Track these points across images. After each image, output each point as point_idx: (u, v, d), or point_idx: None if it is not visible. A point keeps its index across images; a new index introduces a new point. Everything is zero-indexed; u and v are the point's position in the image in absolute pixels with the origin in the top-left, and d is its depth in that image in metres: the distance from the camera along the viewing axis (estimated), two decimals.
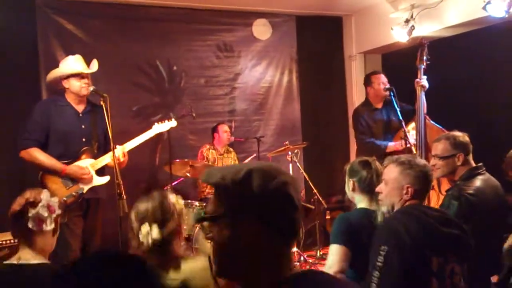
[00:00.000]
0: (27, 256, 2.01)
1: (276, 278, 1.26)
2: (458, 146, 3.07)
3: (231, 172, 1.27)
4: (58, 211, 2.13)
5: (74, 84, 3.80)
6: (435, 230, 2.20)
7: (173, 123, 4.14)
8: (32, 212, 2.03)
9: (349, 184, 2.83)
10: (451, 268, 2.19)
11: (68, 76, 3.80)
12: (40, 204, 2.05)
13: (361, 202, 2.78)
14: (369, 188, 2.72)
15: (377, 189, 2.54)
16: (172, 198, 2.17)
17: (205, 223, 1.31)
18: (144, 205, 2.11)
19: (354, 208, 2.90)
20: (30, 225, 2.02)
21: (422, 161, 2.47)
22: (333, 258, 2.52)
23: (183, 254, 2.11)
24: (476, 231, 2.80)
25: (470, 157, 3.11)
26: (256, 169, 1.27)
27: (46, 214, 2.05)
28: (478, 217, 2.84)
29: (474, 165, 3.09)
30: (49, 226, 2.06)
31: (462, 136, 3.13)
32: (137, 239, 2.05)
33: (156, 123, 4.10)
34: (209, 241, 1.29)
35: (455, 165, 3.07)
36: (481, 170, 3.05)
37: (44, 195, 2.09)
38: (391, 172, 2.45)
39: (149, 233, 2.01)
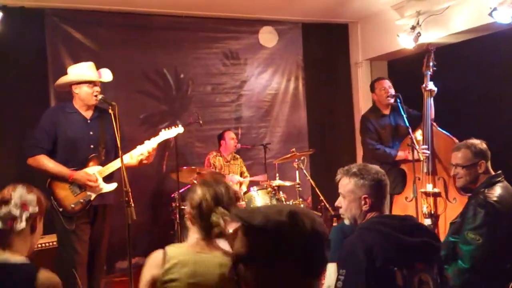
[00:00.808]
0: (3, 256, 1.94)
1: None
2: (479, 154, 3.08)
3: (274, 213, 1.27)
4: (34, 209, 2.01)
5: (86, 91, 3.80)
6: (397, 242, 2.11)
7: (180, 129, 4.14)
8: (2, 211, 1.95)
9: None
10: (419, 278, 2.10)
11: (80, 82, 3.81)
12: (12, 202, 1.96)
13: None
14: None
15: (336, 203, 2.45)
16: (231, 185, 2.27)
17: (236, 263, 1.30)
18: (215, 188, 2.16)
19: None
20: (0, 225, 1.94)
21: (373, 168, 2.34)
22: (330, 279, 2.42)
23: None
24: (502, 237, 2.80)
25: (489, 164, 3.11)
26: (297, 212, 1.27)
27: (18, 213, 1.95)
28: (504, 224, 2.83)
29: (493, 172, 3.09)
30: (20, 225, 1.95)
31: (480, 143, 3.13)
32: (202, 221, 2.13)
33: (163, 130, 4.10)
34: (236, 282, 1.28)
35: (477, 173, 3.07)
36: (501, 178, 3.05)
37: (17, 192, 1.99)
38: (346, 185, 2.36)
39: (224, 215, 2.09)
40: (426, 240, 2.16)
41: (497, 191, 2.94)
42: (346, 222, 2.42)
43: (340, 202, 2.41)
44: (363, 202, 2.29)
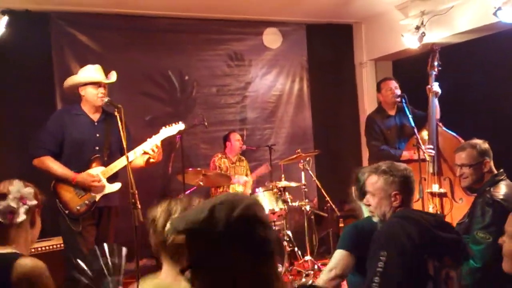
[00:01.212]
0: None
1: None
2: (484, 152, 3.12)
3: (194, 214, 1.28)
4: (33, 202, 2.01)
5: (91, 92, 3.82)
6: (432, 234, 2.21)
7: (180, 126, 4.13)
8: (1, 204, 1.94)
9: (353, 192, 2.86)
10: (446, 273, 2.21)
11: (86, 84, 3.84)
12: (10, 196, 1.96)
13: (365, 209, 2.75)
14: (364, 196, 2.69)
15: (365, 201, 2.52)
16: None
17: (187, 274, 1.29)
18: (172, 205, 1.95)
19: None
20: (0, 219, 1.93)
21: (401, 165, 2.45)
22: (334, 262, 2.49)
23: None
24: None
25: (492, 163, 3.15)
26: (217, 204, 1.27)
27: (16, 206, 1.95)
28: None
29: (495, 171, 3.13)
30: (20, 218, 1.95)
31: (483, 142, 3.17)
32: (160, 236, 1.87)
33: (163, 127, 4.10)
34: None
35: (483, 172, 3.10)
36: (503, 176, 3.08)
37: (15, 186, 2.00)
38: (375, 183, 2.43)
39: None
40: (457, 237, 2.21)
41: (502, 189, 2.97)
42: (375, 219, 2.48)
43: (369, 200, 2.47)
44: (393, 198, 2.37)
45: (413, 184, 2.42)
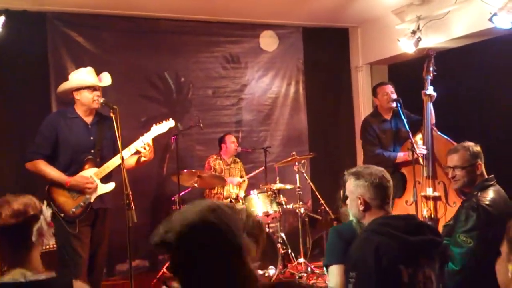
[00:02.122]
0: (23, 275, 1.78)
1: None
2: (477, 155, 3.09)
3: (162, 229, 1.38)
4: (48, 221, 1.94)
5: (86, 96, 3.82)
6: (401, 242, 2.17)
7: (171, 123, 4.11)
8: (36, 225, 1.84)
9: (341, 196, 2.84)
10: (423, 274, 2.19)
11: (80, 88, 3.84)
12: (41, 217, 1.88)
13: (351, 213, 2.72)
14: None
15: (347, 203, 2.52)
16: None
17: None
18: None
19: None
20: (33, 239, 1.84)
21: (377, 170, 2.39)
22: (334, 280, 2.42)
23: None
24: (495, 241, 2.81)
25: (483, 167, 3.13)
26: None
27: (46, 228, 1.89)
28: (496, 227, 2.84)
29: (486, 175, 3.11)
30: (51, 240, 1.91)
31: (475, 145, 3.15)
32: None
33: (154, 125, 4.09)
34: None
35: (475, 175, 3.08)
36: (493, 182, 3.07)
37: (44, 208, 1.91)
38: (348, 185, 2.43)
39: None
40: (429, 238, 2.21)
41: (489, 195, 2.96)
42: (354, 224, 2.47)
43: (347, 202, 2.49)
44: (359, 201, 2.35)
45: (383, 190, 2.35)
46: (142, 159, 3.92)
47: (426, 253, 2.19)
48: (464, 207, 2.99)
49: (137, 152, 3.90)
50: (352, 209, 2.42)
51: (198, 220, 1.35)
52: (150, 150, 3.90)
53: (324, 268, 2.60)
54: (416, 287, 2.16)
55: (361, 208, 2.35)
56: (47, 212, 1.92)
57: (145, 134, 3.95)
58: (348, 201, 2.46)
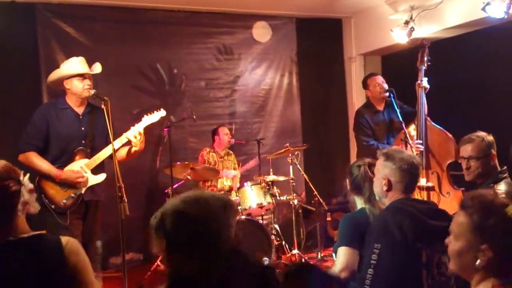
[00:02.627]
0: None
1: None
2: (491, 145, 3.02)
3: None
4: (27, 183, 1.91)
5: (76, 85, 3.79)
6: (423, 223, 2.27)
7: (162, 113, 4.09)
8: (20, 199, 1.84)
9: (347, 185, 2.88)
10: (438, 258, 2.27)
11: (71, 77, 3.80)
12: (23, 188, 1.87)
13: (359, 202, 2.80)
14: (357, 189, 2.76)
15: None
16: None
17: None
18: None
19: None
20: (20, 208, 1.84)
21: (409, 156, 2.47)
22: (342, 261, 2.51)
23: None
24: None
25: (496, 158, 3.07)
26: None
27: (28, 196, 1.88)
28: None
29: (499, 167, 3.05)
30: (35, 209, 1.89)
31: (488, 135, 3.07)
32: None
33: (145, 115, 4.05)
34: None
35: (489, 165, 3.00)
36: (506, 174, 3.01)
37: (24, 177, 1.90)
38: (377, 164, 2.53)
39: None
40: (447, 225, 2.23)
41: (503, 187, 2.91)
42: (367, 211, 2.62)
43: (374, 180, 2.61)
44: (384, 181, 2.45)
45: (410, 176, 2.43)
46: (133, 149, 3.89)
47: (442, 239, 2.23)
48: None
49: (128, 143, 3.87)
50: (376, 187, 2.52)
51: (178, 209, 1.52)
52: (141, 139, 3.86)
53: (333, 255, 2.68)
54: (432, 270, 2.26)
55: (385, 188, 2.45)
56: (26, 180, 1.91)
57: (136, 124, 3.92)
58: (374, 179, 2.56)
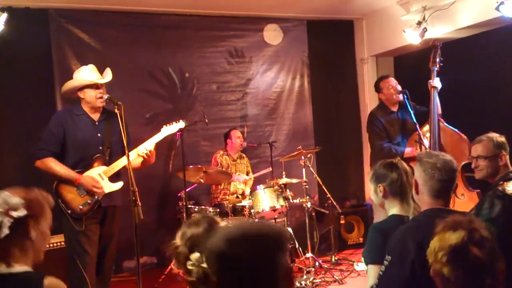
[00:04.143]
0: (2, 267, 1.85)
1: None
2: (501, 145, 3.07)
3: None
4: (20, 213, 1.87)
5: (90, 95, 3.82)
6: None
7: (181, 124, 4.15)
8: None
9: (378, 191, 2.67)
10: None
11: (83, 87, 3.83)
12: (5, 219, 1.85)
13: (392, 207, 2.63)
14: (401, 191, 2.60)
15: None
16: (222, 223, 1.97)
17: None
18: (193, 230, 1.90)
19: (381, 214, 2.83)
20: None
21: (439, 156, 2.35)
22: (371, 281, 2.39)
23: None
24: None
25: (508, 158, 3.10)
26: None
27: (1, 220, 1.84)
28: None
29: (511, 167, 3.07)
30: (3, 232, 1.82)
31: (500, 136, 3.12)
32: (184, 266, 1.82)
33: (164, 126, 4.11)
34: None
35: (498, 165, 3.05)
36: None
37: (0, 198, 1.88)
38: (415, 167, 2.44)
39: (200, 262, 1.75)
40: None
41: None
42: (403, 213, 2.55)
43: None
44: (414, 186, 2.40)
45: (444, 181, 2.30)
46: (144, 163, 3.97)
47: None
48: (488, 195, 2.94)
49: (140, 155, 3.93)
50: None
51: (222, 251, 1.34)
52: (152, 155, 3.94)
53: (362, 259, 2.59)
54: None
55: (415, 192, 2.38)
56: (6, 201, 1.88)
57: (155, 136, 3.99)
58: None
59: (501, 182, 2.96)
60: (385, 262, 2.15)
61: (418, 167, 2.37)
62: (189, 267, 1.76)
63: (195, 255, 1.76)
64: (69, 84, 3.90)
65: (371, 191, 2.76)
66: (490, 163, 3.05)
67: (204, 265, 1.68)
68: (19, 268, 1.85)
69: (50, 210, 2.01)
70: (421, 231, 2.14)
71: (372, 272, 2.41)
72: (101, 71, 3.95)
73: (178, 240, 1.89)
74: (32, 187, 2.00)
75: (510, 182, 2.95)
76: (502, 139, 3.10)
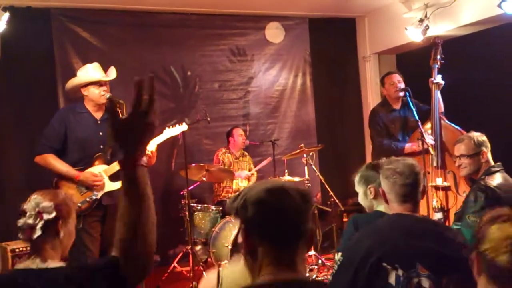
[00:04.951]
0: (42, 265, 1.97)
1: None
2: (482, 143, 3.25)
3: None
4: (50, 215, 2.03)
5: (93, 92, 3.85)
6: (395, 243, 2.11)
7: (183, 127, 4.18)
8: (20, 222, 1.99)
9: (368, 192, 2.76)
10: (418, 281, 2.05)
11: (87, 84, 3.85)
12: (27, 213, 2.00)
13: (380, 205, 2.70)
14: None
15: None
16: None
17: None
18: None
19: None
20: (20, 236, 2.01)
21: (400, 161, 2.31)
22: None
23: None
24: None
25: (490, 155, 3.26)
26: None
27: (33, 222, 1.99)
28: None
29: (493, 163, 3.24)
30: (36, 233, 1.98)
31: (480, 135, 3.30)
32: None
33: (167, 128, 4.14)
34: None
35: (480, 162, 3.23)
36: (500, 168, 3.20)
37: (32, 202, 2.03)
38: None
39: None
40: (431, 247, 2.08)
41: (496, 179, 3.11)
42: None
43: None
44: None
45: (400, 188, 2.26)
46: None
47: (428, 263, 2.06)
48: (472, 189, 3.15)
49: None
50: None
51: (262, 198, 1.47)
52: (153, 157, 3.95)
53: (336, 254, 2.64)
54: None
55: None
56: (39, 204, 2.02)
57: (157, 137, 3.99)
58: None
59: (483, 177, 3.16)
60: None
61: (381, 175, 2.35)
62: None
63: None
64: (74, 81, 3.92)
65: (360, 195, 2.86)
66: (472, 160, 3.25)
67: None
68: (53, 264, 1.97)
69: (74, 211, 2.18)
70: (373, 234, 2.20)
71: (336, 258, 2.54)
72: (104, 70, 3.97)
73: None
74: (52, 191, 2.14)
75: (491, 175, 3.14)
76: (482, 137, 3.28)
